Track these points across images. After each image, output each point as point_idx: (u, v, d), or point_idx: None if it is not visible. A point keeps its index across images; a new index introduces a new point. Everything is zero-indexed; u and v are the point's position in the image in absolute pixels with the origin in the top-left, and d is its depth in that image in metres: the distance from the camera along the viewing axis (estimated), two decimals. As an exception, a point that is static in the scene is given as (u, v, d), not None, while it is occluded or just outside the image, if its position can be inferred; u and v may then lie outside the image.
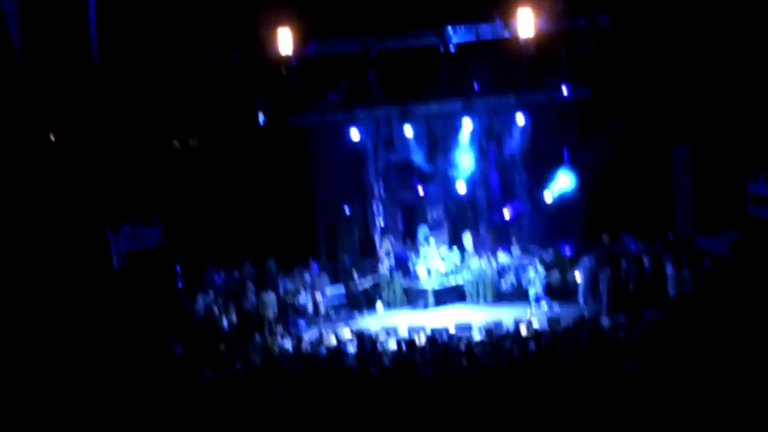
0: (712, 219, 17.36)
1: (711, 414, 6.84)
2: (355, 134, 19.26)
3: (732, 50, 16.32)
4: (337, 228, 20.74)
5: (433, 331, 14.31)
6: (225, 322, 15.65)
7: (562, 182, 19.42)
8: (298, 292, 17.40)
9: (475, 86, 18.13)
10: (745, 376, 7.57)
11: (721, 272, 14.85)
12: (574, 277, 17.27)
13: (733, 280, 14.19)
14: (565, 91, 18.25)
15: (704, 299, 14.13)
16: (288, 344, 14.32)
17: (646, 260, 16.25)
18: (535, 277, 17.29)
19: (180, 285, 17.18)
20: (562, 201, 19.61)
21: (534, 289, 17.19)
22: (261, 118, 18.32)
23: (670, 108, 17.95)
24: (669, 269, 15.65)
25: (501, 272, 18.46)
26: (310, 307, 17.54)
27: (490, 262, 18.49)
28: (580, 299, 16.94)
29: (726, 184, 17.31)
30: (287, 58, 16.44)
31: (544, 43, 16.65)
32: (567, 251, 18.77)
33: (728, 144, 17.06)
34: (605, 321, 14.03)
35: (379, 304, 18.29)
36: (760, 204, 16.00)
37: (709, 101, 17.07)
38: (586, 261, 16.95)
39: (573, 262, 17.80)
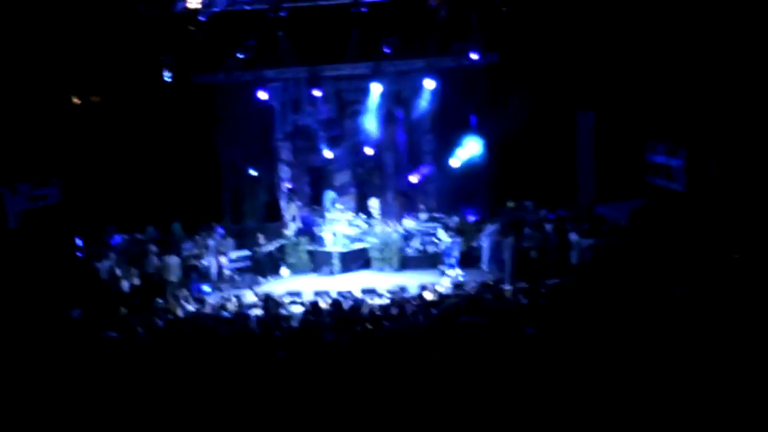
0: (614, 188, 17.81)
1: (610, 377, 6.99)
2: (262, 95, 18.94)
3: (638, 20, 16.61)
4: (242, 191, 20.47)
5: (338, 294, 14.30)
6: (126, 285, 15.32)
7: (470, 148, 19.53)
8: (201, 255, 17.17)
9: (385, 50, 18.04)
10: (643, 341, 7.77)
11: (621, 240, 15.29)
12: (479, 243, 17.52)
13: (632, 247, 14.63)
14: (474, 56, 18.31)
15: (604, 266, 14.52)
16: (191, 308, 14.11)
17: (548, 228, 16.61)
18: (440, 243, 17.46)
19: (80, 246, 16.76)
20: (469, 167, 19.75)
21: (439, 255, 17.38)
22: (166, 75, 17.80)
23: (577, 75, 18.20)
24: (571, 237, 16.03)
25: (407, 238, 18.53)
26: (214, 271, 17.32)
27: (396, 227, 18.60)
28: (484, 266, 17.22)
29: (627, 153, 17.74)
30: (195, 13, 16.05)
31: (454, 7, 16.68)
32: (473, 217, 19.01)
33: (631, 113, 17.44)
34: (508, 287, 14.25)
35: (284, 269, 18.17)
36: (659, 174, 16.49)
37: (615, 69, 17.36)
38: (490, 228, 17.19)
39: (478, 229, 18.03)
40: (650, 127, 16.95)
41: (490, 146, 19.53)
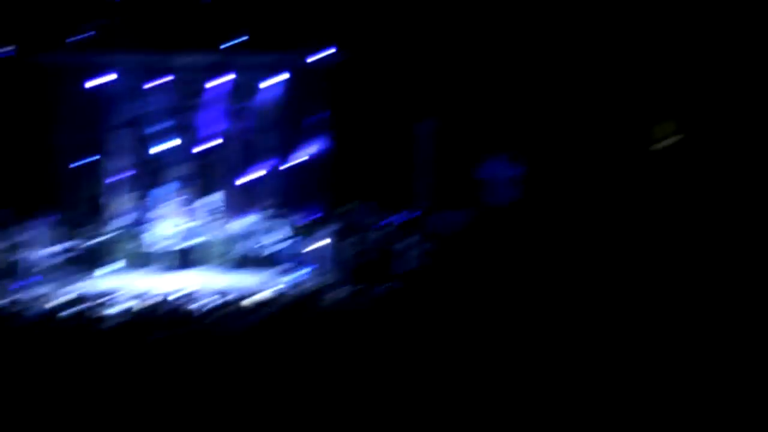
0: (447, 197, 18.13)
1: (432, 378, 7.09)
2: (100, 80, 18.17)
3: (489, 26, 16.95)
4: (76, 179, 19.60)
5: (165, 293, 13.84)
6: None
7: (315, 146, 19.46)
8: (21, 247, 16.30)
9: (233, 42, 17.70)
10: (463, 345, 7.93)
11: (448, 250, 15.61)
12: (315, 243, 17.42)
13: (458, 257, 14.96)
14: (322, 54, 18.24)
15: (430, 274, 14.78)
16: (6, 303, 13.35)
17: (382, 233, 16.76)
18: (277, 242, 17.28)
19: None
20: (312, 166, 19.61)
21: (276, 255, 17.19)
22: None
23: (423, 80, 18.39)
24: (402, 244, 16.25)
25: (245, 235, 18.19)
26: (37, 263, 16.48)
27: (234, 224, 18.24)
28: (319, 267, 17.14)
29: (465, 162, 18.08)
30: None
31: (301, 2, 16.56)
32: (313, 217, 18.90)
33: (470, 123, 17.79)
34: (340, 290, 14.20)
35: (111, 264, 17.36)
36: (487, 188, 16.94)
37: (457, 78, 17.65)
38: (326, 229, 17.16)
39: (318, 229, 17.93)
40: (487, 137, 17.34)
41: (335, 146, 19.48)
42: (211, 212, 18.52)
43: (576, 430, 6.40)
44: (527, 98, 15.58)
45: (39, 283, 15.89)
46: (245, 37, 17.84)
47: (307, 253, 17.55)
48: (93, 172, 19.45)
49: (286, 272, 16.67)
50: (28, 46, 17.41)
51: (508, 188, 16.07)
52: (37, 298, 13.44)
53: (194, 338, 9.58)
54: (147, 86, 18.94)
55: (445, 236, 16.04)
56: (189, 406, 6.93)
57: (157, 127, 19.43)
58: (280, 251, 17.07)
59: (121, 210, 18.42)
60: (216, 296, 14.53)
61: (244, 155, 20.17)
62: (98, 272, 17.12)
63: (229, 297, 14.13)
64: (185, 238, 17.96)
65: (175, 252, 17.58)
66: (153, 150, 19.69)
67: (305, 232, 17.91)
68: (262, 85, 19.20)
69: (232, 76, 18.77)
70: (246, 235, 18.21)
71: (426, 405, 6.69)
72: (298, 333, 9.59)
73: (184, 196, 19.67)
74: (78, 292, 13.89)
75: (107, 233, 17.69)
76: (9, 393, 7.03)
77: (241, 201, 20.03)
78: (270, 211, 19.14)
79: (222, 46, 17.95)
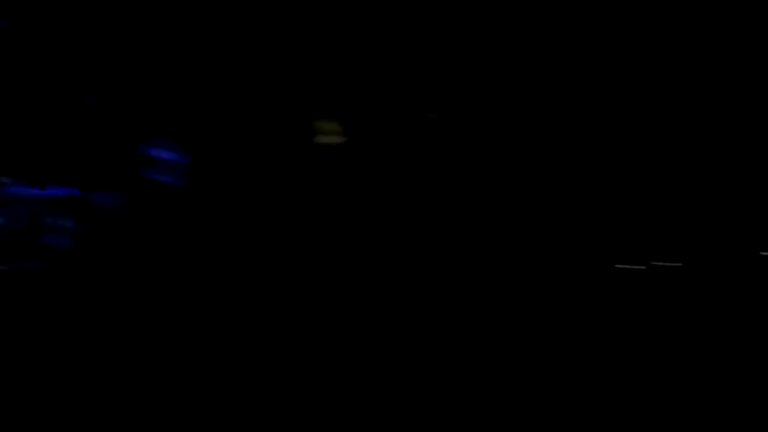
0: (111, 175, 17.54)
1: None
2: None
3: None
4: None
5: None
6: None
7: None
8: None
9: None
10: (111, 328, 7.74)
11: (110, 228, 15.18)
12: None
13: (121, 236, 14.62)
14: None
15: (90, 252, 14.31)
16: None
17: (33, 208, 15.88)
18: None
19: None
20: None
21: None
22: None
23: (91, 53, 17.58)
24: (55, 220, 15.48)
25: None
26: None
27: None
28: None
29: (127, 142, 17.60)
30: None
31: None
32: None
33: (134, 103, 17.33)
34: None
35: None
36: (151, 166, 16.64)
37: (125, 55, 17.07)
38: (-32, 201, 15.87)
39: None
40: (150, 118, 17.03)
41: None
42: None
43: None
44: (193, 82, 15.50)
45: None
46: None
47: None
48: None
49: None
50: None
51: (172, 172, 15.88)
52: None
53: None
54: None
55: (103, 215, 15.54)
56: None
57: None
58: None
59: None
60: None
61: None
62: None
63: None
64: None
65: None
66: None
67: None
68: None
69: None
70: None
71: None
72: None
73: None
74: None
75: None
76: None
77: None
78: None
79: None
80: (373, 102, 15.57)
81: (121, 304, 8.93)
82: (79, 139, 18.65)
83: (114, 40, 16.99)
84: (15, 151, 17.69)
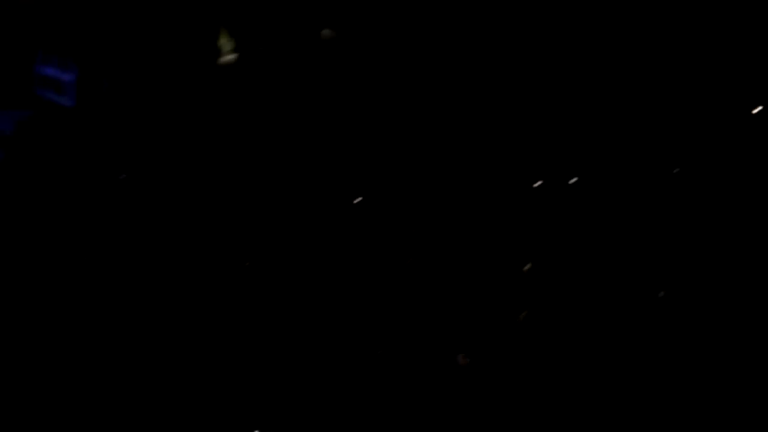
0: (2, 95, 16.76)
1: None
2: None
3: None
4: None
5: None
6: None
7: None
8: None
9: None
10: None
11: (6, 151, 14.58)
12: None
13: (18, 159, 14.06)
14: None
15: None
16: None
17: None
18: None
19: None
20: None
21: None
22: None
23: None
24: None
25: None
26: None
27: None
28: None
29: (16, 60, 16.83)
30: None
31: None
32: None
33: (23, 20, 16.52)
34: None
35: None
36: (49, 87, 15.97)
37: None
38: None
39: None
40: (42, 36, 16.28)
41: None
42: None
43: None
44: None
45: None
46: None
47: None
48: None
49: None
50: None
51: (69, 91, 15.25)
52: None
53: None
54: None
55: (4, 137, 14.87)
56: None
57: None
58: None
59: None
60: None
61: None
62: None
63: None
64: None
65: None
66: None
67: None
68: None
69: None
70: None
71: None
72: None
73: None
74: None
75: None
76: None
77: None
78: None
79: None
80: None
81: (15, 234, 8.44)
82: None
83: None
84: None
